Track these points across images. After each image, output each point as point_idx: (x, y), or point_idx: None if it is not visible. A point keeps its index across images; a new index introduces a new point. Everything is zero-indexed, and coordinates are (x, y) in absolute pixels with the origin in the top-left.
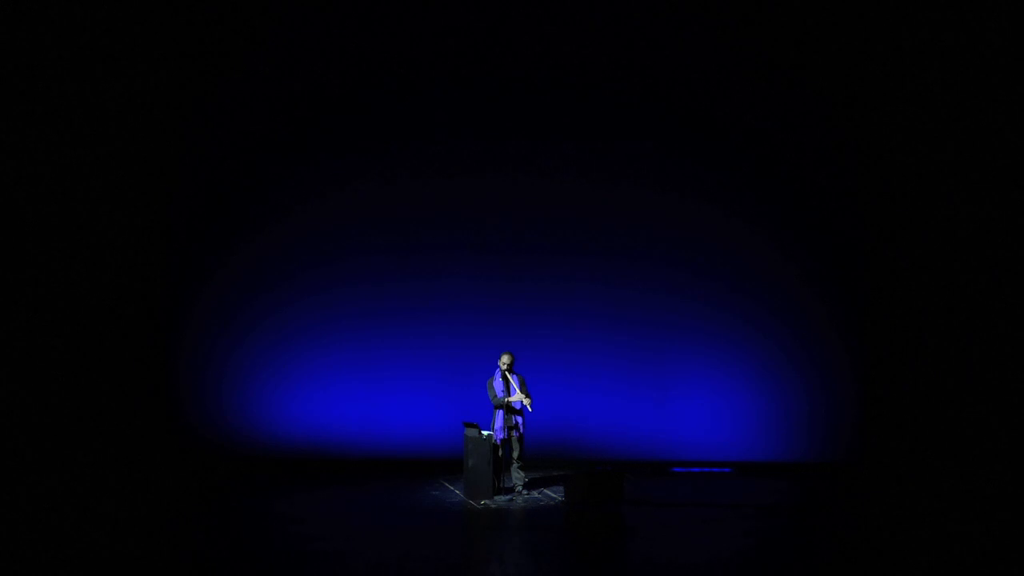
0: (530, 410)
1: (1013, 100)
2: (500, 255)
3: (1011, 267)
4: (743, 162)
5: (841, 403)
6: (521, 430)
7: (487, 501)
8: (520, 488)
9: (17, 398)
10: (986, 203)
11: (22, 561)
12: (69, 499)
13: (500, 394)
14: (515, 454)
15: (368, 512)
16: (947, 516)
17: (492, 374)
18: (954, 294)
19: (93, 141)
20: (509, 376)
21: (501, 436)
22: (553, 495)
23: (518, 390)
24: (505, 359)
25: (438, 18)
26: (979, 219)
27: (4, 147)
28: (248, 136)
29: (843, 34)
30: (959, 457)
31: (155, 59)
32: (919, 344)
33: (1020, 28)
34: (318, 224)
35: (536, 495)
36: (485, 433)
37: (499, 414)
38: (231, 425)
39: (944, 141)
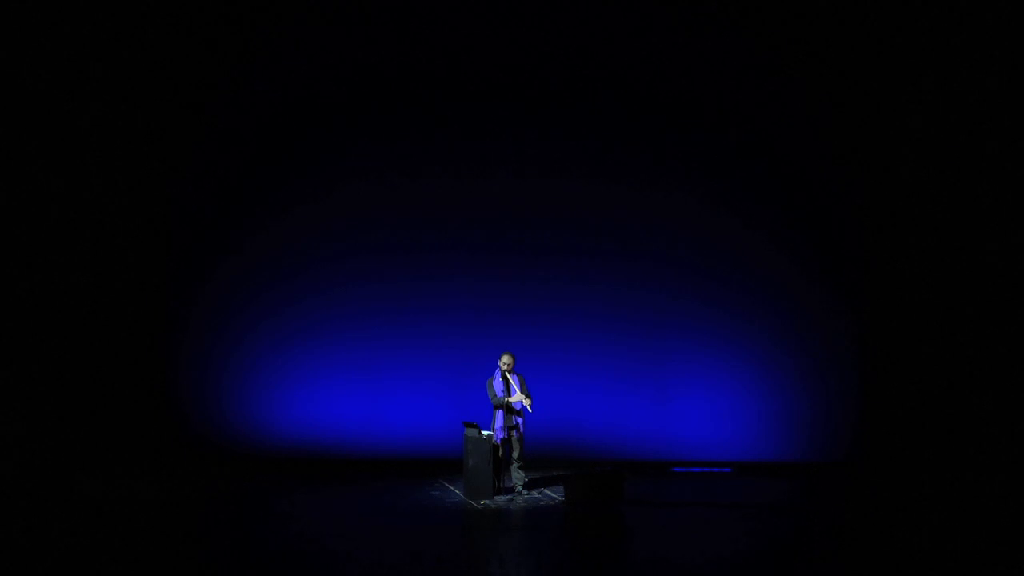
0: (530, 411)
1: (1013, 99)
2: (500, 255)
3: (1011, 267)
4: (743, 162)
5: (841, 403)
6: (521, 430)
7: (487, 501)
8: (520, 488)
9: (17, 398)
10: (986, 203)
11: (23, 561)
12: (69, 499)
13: (500, 394)
14: (515, 454)
15: (368, 512)
16: (947, 516)
17: (492, 374)
18: (954, 294)
19: (94, 142)
20: (509, 376)
21: (501, 436)
22: (553, 495)
23: (518, 390)
24: (506, 359)
25: (439, 18)
26: (979, 219)
27: (5, 148)
28: (248, 136)
29: (844, 34)
30: (959, 457)
31: (155, 61)
32: (919, 344)
33: (1020, 28)
34: (318, 224)
35: (536, 495)
36: (485, 433)
37: (499, 414)
38: (231, 425)
39: (944, 141)
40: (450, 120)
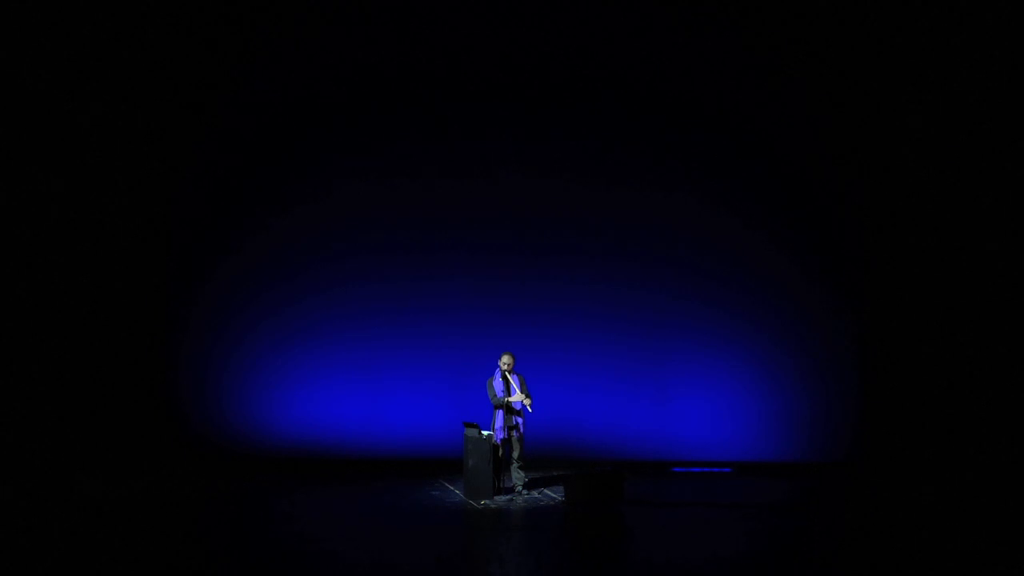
0: (530, 411)
1: (1013, 99)
2: (500, 255)
3: (1011, 267)
4: (743, 162)
5: (841, 403)
6: (521, 430)
7: (487, 501)
8: (520, 488)
9: (17, 398)
10: (986, 203)
11: (22, 561)
12: (69, 499)
13: (500, 394)
14: (515, 454)
15: (368, 512)
16: (947, 516)
17: (492, 374)
18: (954, 294)
19: (94, 142)
20: (509, 376)
21: (501, 436)
22: (553, 495)
23: (518, 390)
24: (506, 359)
25: (439, 18)
26: (979, 219)
27: (5, 148)
28: (248, 136)
29: (844, 34)
30: (959, 457)
31: (155, 60)
32: (919, 344)
33: (1020, 28)
34: (318, 224)
35: (536, 495)
36: (485, 433)
37: (499, 414)
38: (231, 425)
39: (944, 141)
40: (450, 120)
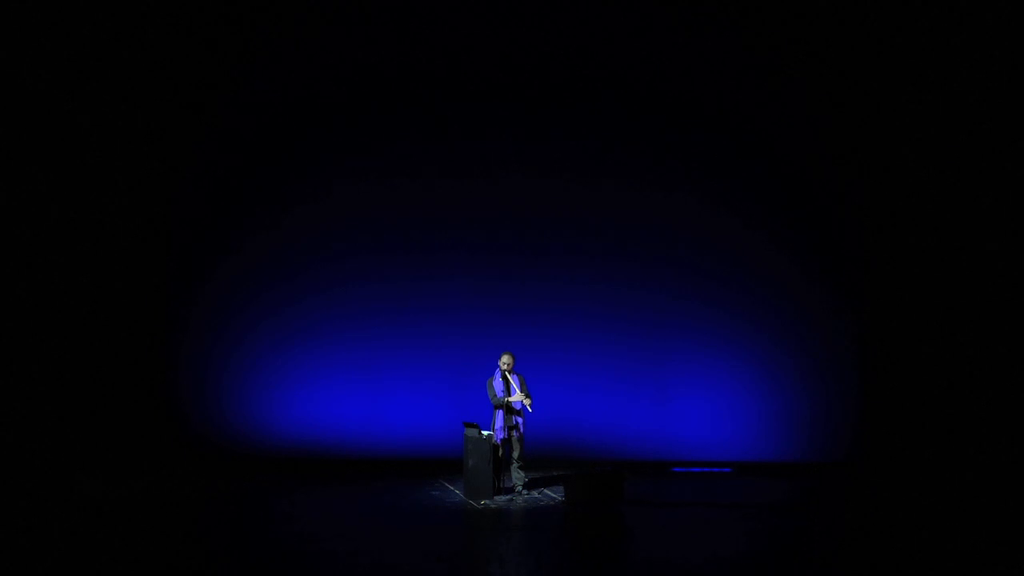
0: (530, 411)
1: (1013, 99)
2: (500, 255)
3: (1011, 267)
4: (743, 162)
5: (841, 403)
6: (521, 430)
7: (487, 501)
8: (520, 488)
9: (17, 398)
10: (986, 203)
11: (22, 561)
12: (68, 499)
13: (500, 394)
14: (515, 454)
15: (368, 512)
16: (947, 516)
17: (492, 374)
18: (954, 294)
19: (94, 142)
20: (509, 376)
21: (501, 436)
22: (553, 495)
23: (518, 390)
24: (505, 359)
25: (439, 18)
26: (979, 219)
27: (5, 148)
28: (248, 136)
29: (844, 34)
30: (959, 457)
31: (156, 61)
32: (919, 344)
33: (1020, 28)
34: (318, 224)
35: (536, 495)
36: (485, 433)
37: (499, 414)
38: (231, 425)
39: (944, 141)
40: (450, 120)
